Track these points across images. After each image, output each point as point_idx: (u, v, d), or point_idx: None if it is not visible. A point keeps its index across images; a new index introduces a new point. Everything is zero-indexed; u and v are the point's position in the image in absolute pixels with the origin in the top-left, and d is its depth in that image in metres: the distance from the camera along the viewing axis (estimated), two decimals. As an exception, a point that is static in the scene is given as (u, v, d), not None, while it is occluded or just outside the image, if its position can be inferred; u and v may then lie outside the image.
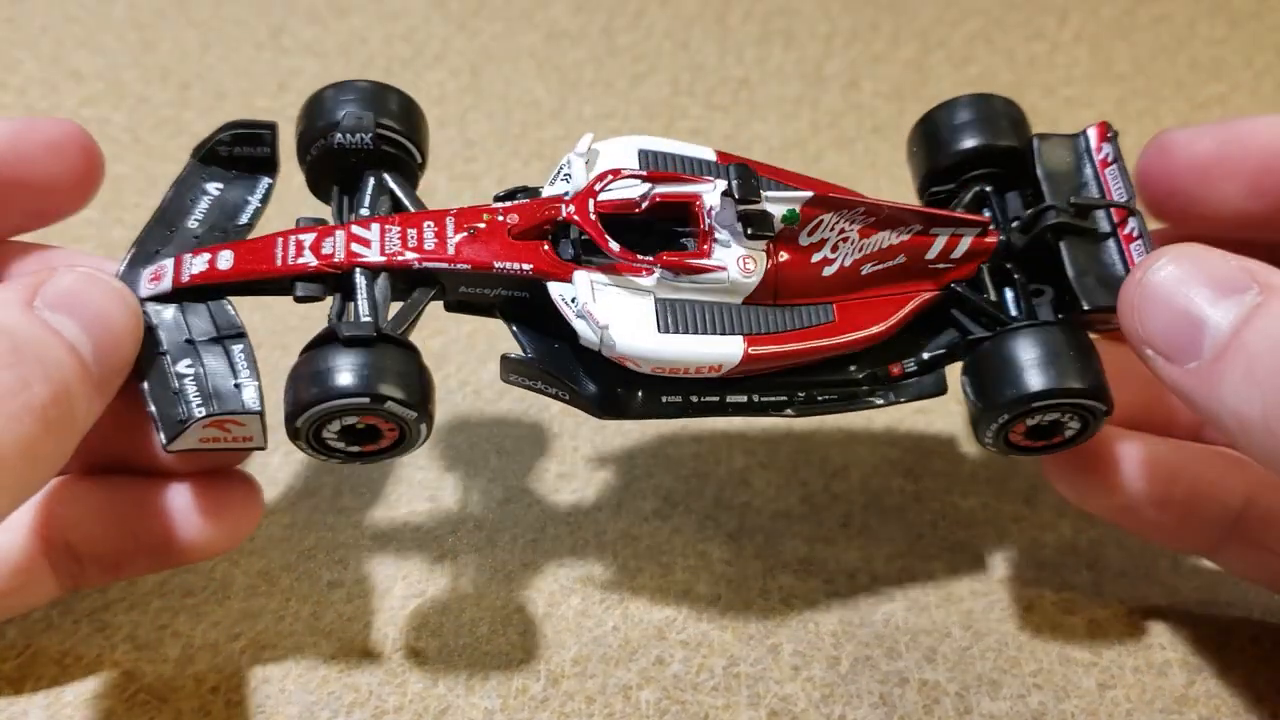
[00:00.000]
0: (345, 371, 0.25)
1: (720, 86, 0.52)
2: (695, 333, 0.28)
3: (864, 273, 0.30)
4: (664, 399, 0.29)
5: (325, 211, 0.30)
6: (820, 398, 0.30)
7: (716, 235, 0.28)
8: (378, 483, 0.36)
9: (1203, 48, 0.58)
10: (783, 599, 0.34)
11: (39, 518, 0.29)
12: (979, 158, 0.31)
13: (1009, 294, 0.31)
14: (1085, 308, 0.29)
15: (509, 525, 0.35)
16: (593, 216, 0.28)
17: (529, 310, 0.29)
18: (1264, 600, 0.35)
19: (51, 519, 0.29)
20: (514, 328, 0.29)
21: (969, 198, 0.32)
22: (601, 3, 0.56)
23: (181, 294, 0.27)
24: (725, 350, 0.28)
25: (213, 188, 0.30)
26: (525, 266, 0.28)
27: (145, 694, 0.30)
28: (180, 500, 0.29)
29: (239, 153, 0.30)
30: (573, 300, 0.27)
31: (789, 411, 0.30)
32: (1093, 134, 0.31)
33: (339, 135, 0.29)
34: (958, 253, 0.30)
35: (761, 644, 0.32)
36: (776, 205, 0.28)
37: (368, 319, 0.26)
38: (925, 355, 0.31)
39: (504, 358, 0.29)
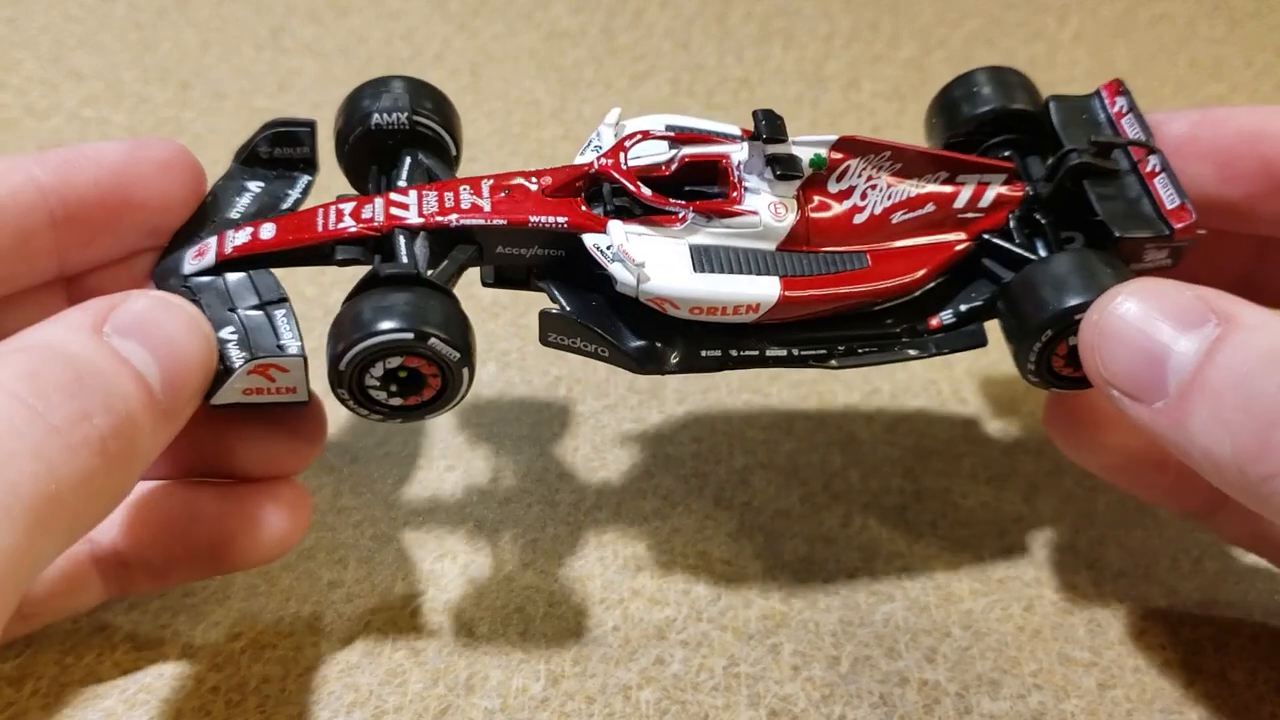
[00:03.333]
0: (388, 310, 0.25)
1: (720, 86, 0.52)
2: (729, 273, 0.28)
3: (894, 221, 0.30)
4: (703, 352, 0.29)
5: None
6: (860, 350, 0.30)
7: (746, 184, 0.29)
8: (378, 483, 0.36)
9: (1203, 48, 0.58)
10: (783, 599, 0.34)
11: None
12: (995, 121, 0.32)
13: (1039, 243, 0.31)
14: (1117, 235, 0.29)
15: (509, 525, 0.35)
16: (624, 168, 0.28)
17: (565, 269, 0.29)
18: (1264, 600, 0.35)
19: (101, 525, 0.28)
20: (551, 287, 0.29)
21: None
22: (601, 3, 0.56)
23: (224, 266, 0.28)
24: (762, 290, 0.28)
25: (254, 185, 0.31)
26: (560, 220, 0.28)
27: (145, 694, 0.30)
28: (231, 507, 0.29)
29: (279, 154, 0.31)
30: (608, 247, 0.27)
31: (832, 363, 0.30)
32: (1105, 92, 0.32)
33: (376, 116, 0.30)
34: (985, 201, 0.31)
35: (761, 644, 0.32)
36: (804, 149, 0.29)
37: (407, 265, 0.27)
38: (962, 307, 0.31)
39: (543, 314, 0.29)
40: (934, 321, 0.31)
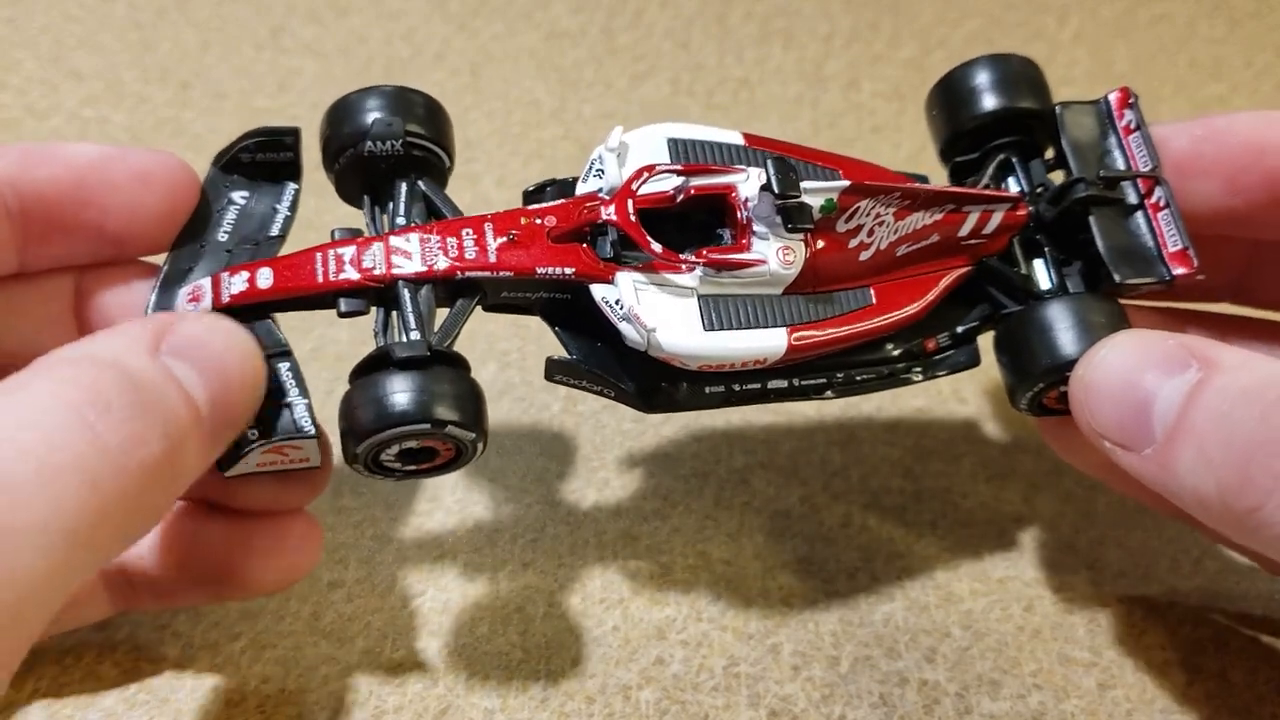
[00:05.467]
0: (404, 397, 0.25)
1: (720, 86, 0.52)
2: (740, 328, 0.28)
3: (899, 254, 0.30)
4: (708, 389, 0.29)
5: (355, 218, 0.30)
6: (859, 378, 0.31)
7: (754, 228, 0.28)
8: (378, 483, 0.36)
9: (1203, 47, 0.58)
10: (783, 599, 0.34)
11: None
12: (1000, 122, 0.32)
13: (1038, 265, 0.31)
14: (1117, 280, 0.29)
15: (509, 525, 0.35)
16: (633, 218, 0.28)
17: (570, 310, 0.29)
18: (1264, 601, 0.35)
19: None
20: (557, 330, 0.29)
21: (993, 167, 0.32)
22: (601, 3, 0.56)
23: (222, 314, 0.27)
24: (770, 343, 0.28)
25: (238, 197, 0.29)
26: (567, 271, 0.28)
27: (145, 694, 0.30)
28: (239, 537, 0.28)
29: (262, 159, 0.30)
30: (616, 302, 0.27)
31: (829, 394, 0.30)
32: (1114, 99, 0.32)
33: (369, 143, 0.29)
34: (990, 228, 0.31)
35: (761, 644, 0.32)
36: (814, 196, 0.28)
37: (416, 335, 0.26)
38: (959, 329, 0.31)
39: (549, 360, 0.28)
40: (931, 344, 0.31)
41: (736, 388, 0.30)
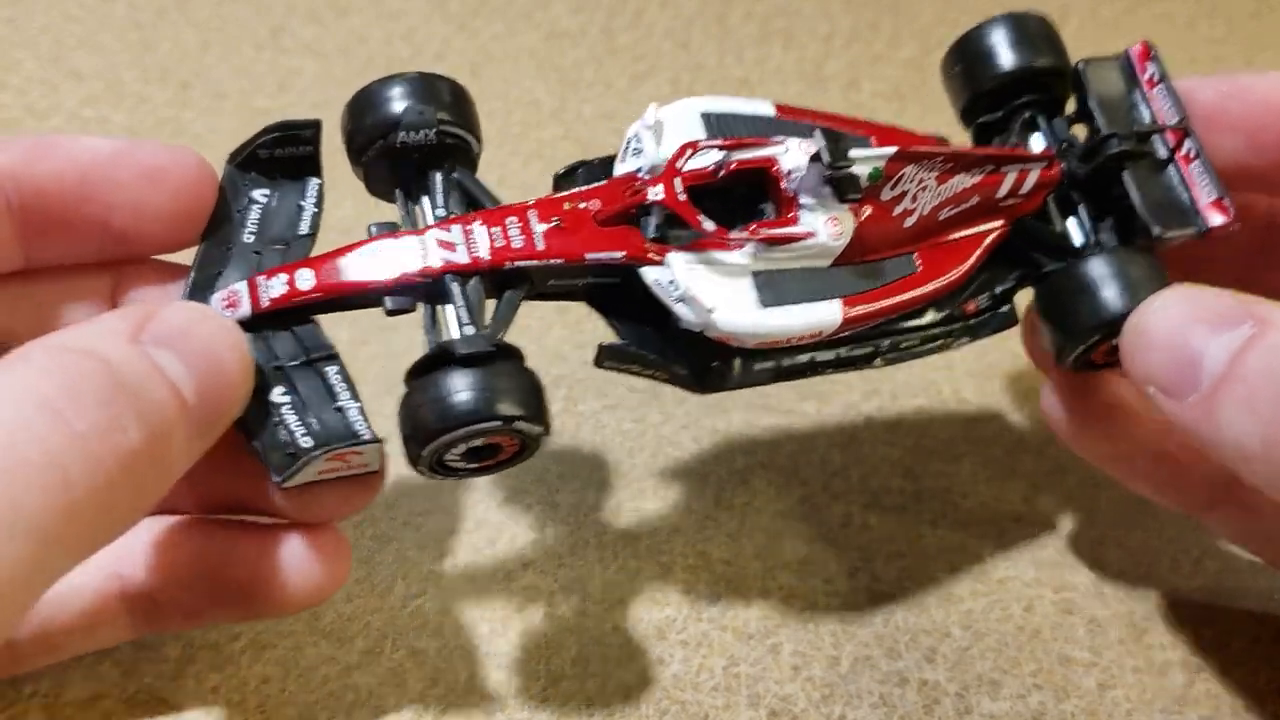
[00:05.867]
0: (470, 395, 0.24)
1: (720, 86, 0.52)
2: (795, 303, 0.28)
3: (941, 218, 0.30)
4: (757, 366, 0.29)
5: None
6: (904, 345, 0.31)
7: (800, 200, 0.28)
8: (378, 483, 0.36)
9: (1203, 47, 0.58)
10: (783, 599, 0.34)
11: (118, 558, 0.27)
12: (1021, 81, 0.31)
13: (1072, 222, 0.31)
14: (1155, 234, 0.29)
15: (509, 525, 0.35)
16: (683, 198, 0.27)
17: (617, 294, 0.28)
18: (1265, 601, 0.35)
19: (131, 561, 0.28)
20: (609, 318, 0.28)
21: (1018, 126, 0.32)
22: (601, 3, 0.56)
23: (261, 319, 0.26)
24: (825, 316, 0.28)
25: (259, 195, 0.28)
26: (617, 254, 0.27)
27: (145, 694, 0.30)
28: (266, 552, 0.27)
29: (280, 154, 0.28)
30: (670, 284, 0.27)
31: (877, 362, 0.30)
32: (1135, 53, 0.32)
33: (402, 134, 0.28)
34: (1026, 187, 0.31)
35: (761, 644, 0.32)
36: (862, 165, 0.28)
37: (471, 328, 0.26)
38: (997, 290, 0.31)
39: (601, 347, 0.28)
40: (971, 307, 0.31)
41: (785, 363, 0.29)
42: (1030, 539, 0.36)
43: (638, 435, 0.38)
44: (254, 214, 0.28)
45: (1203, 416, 0.26)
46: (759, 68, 0.54)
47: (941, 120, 0.35)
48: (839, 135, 0.28)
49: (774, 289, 0.27)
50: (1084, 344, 0.29)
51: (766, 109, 0.30)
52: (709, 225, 0.27)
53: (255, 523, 0.28)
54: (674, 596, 0.34)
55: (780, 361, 0.29)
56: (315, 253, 0.28)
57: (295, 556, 0.27)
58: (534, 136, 0.49)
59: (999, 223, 0.31)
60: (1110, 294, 0.29)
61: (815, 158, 0.28)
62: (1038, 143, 0.32)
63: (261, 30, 0.52)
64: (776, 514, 0.36)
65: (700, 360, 0.28)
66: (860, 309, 0.28)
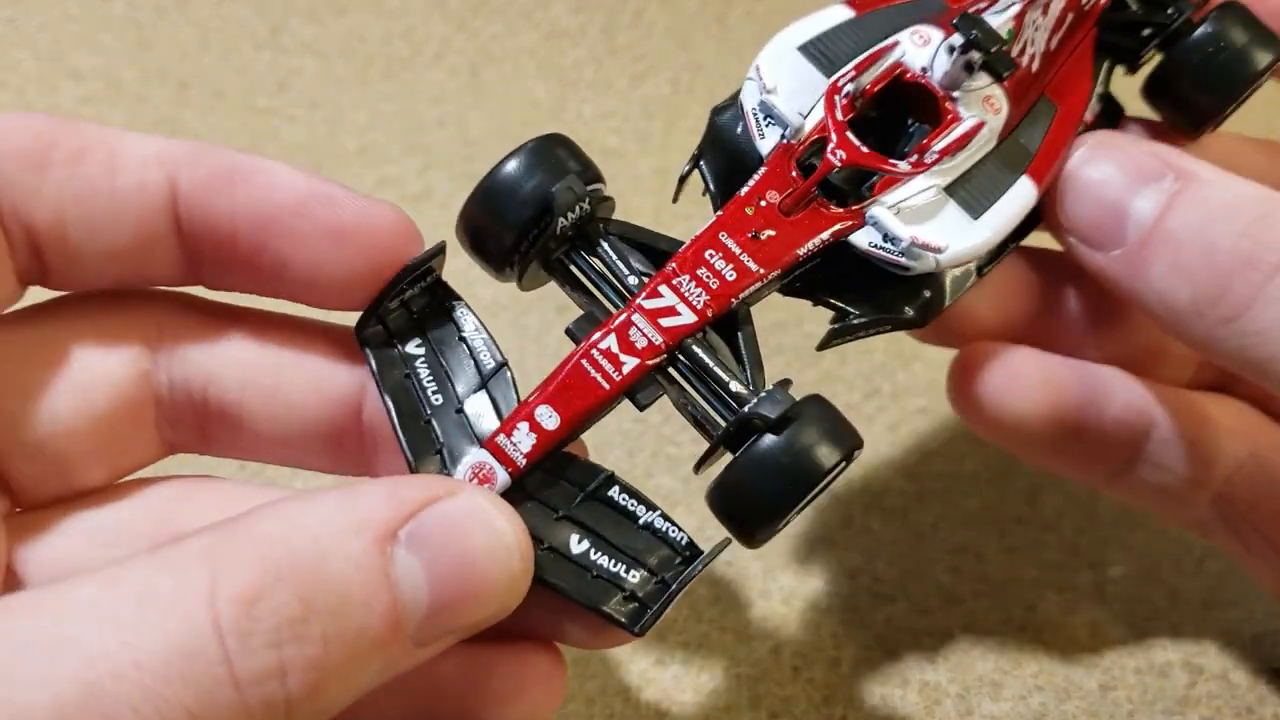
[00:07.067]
0: (812, 454, 0.23)
1: (720, 86, 0.52)
2: (995, 199, 0.26)
3: (1052, 48, 0.29)
4: (960, 273, 0.27)
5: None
6: None
7: (952, 94, 0.26)
8: (377, 483, 0.36)
9: None
10: (783, 599, 0.34)
11: None
12: None
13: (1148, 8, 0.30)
14: None
15: (509, 526, 0.35)
16: (864, 149, 0.25)
17: (821, 270, 0.26)
18: (1266, 602, 0.35)
19: None
20: (830, 300, 0.26)
21: None
22: (601, 3, 0.56)
23: (521, 479, 0.23)
24: (1024, 195, 0.27)
25: (414, 349, 0.25)
26: (824, 237, 0.25)
27: (143, 695, 0.30)
28: (477, 677, 0.24)
29: (409, 297, 0.25)
30: (887, 239, 0.25)
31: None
32: None
33: (561, 219, 0.25)
34: None
35: (762, 645, 0.32)
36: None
37: (738, 386, 0.24)
38: (1099, 91, 0.30)
39: (830, 331, 0.26)
40: (1090, 118, 0.30)
41: (981, 267, 0.28)
42: (1031, 539, 0.36)
43: (638, 435, 0.38)
44: (424, 373, 0.25)
45: (1128, 272, 0.26)
46: (759, 67, 0.54)
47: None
48: (975, 18, 0.26)
49: (972, 196, 0.26)
50: (1246, 93, 0.28)
51: (842, 12, 0.28)
52: (904, 165, 0.25)
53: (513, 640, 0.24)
54: (674, 597, 0.33)
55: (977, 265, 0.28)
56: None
57: (507, 680, 0.24)
58: (533, 136, 0.48)
59: (1087, 28, 0.30)
60: (1255, 42, 0.28)
61: (968, 44, 0.26)
62: None
63: (261, 29, 0.51)
64: (777, 514, 0.36)
65: (912, 295, 0.27)
66: (1043, 170, 0.27)
